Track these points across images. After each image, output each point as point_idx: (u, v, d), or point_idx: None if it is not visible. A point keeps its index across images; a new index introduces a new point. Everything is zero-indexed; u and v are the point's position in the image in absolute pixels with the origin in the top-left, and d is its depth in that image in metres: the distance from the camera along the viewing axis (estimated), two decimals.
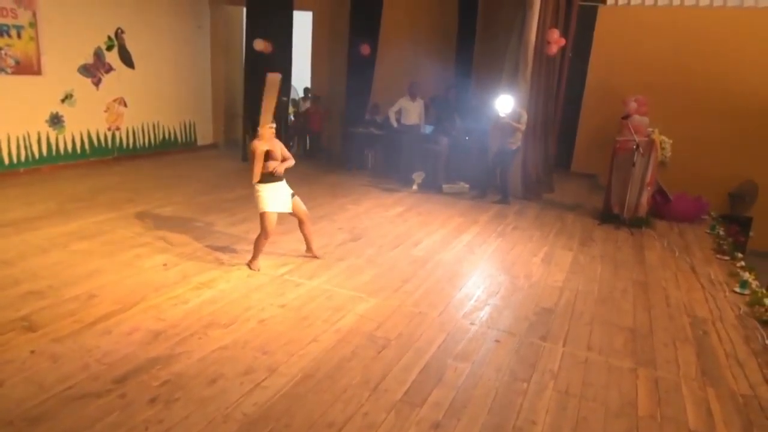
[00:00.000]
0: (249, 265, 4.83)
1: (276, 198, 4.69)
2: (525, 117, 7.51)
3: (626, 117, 7.17)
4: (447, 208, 7.49)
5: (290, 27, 10.05)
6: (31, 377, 3.06)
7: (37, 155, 7.92)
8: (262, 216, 4.69)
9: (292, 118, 10.99)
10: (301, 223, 4.98)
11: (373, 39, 9.80)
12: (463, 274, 5.10)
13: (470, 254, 5.65)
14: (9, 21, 7.33)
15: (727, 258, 6.01)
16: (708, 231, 7.14)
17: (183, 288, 4.34)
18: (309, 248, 5.15)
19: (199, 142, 10.70)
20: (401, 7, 9.99)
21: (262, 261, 4.91)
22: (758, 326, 4.33)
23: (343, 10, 9.95)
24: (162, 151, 9.87)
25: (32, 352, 3.31)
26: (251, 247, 5.16)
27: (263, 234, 4.72)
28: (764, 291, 4.99)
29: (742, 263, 5.81)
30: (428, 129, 9.18)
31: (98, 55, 8.55)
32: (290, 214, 4.88)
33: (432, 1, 9.92)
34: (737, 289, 5.04)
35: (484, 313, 4.26)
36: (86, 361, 3.24)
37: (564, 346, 3.82)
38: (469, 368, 3.44)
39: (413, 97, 8.82)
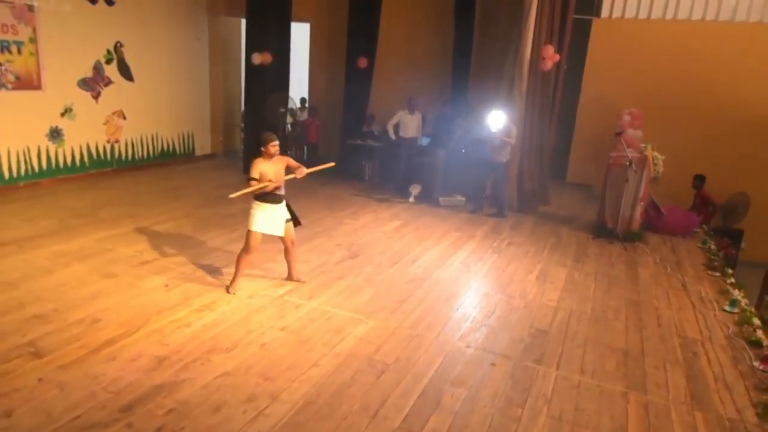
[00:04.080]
0: (227, 288, 4.82)
1: (267, 219, 4.72)
2: (515, 131, 7.64)
3: (619, 133, 7.29)
4: (444, 221, 7.59)
5: (288, 38, 10.15)
6: (40, 406, 3.14)
7: (36, 169, 7.99)
8: (248, 233, 4.75)
9: (290, 129, 11.07)
10: (285, 250, 5.00)
11: (371, 51, 9.91)
12: (460, 293, 5.20)
13: (466, 272, 5.76)
14: (9, 37, 7.39)
15: (717, 274, 6.13)
16: (700, 245, 7.27)
17: (185, 310, 4.43)
18: (290, 274, 5.11)
19: (198, 153, 10.78)
20: (399, 21, 10.11)
21: (260, 282, 5.02)
22: (746, 347, 4.45)
23: (341, 23, 10.05)
24: (161, 162, 9.95)
25: (40, 379, 3.39)
26: (251, 266, 5.26)
27: (245, 250, 4.76)
28: (752, 310, 5.12)
29: (732, 280, 5.93)
30: (425, 141, 9.30)
31: (97, 68, 8.62)
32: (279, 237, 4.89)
33: (429, 16, 10.03)
34: (727, 308, 5.16)
35: (479, 335, 4.37)
36: (93, 389, 3.33)
37: (557, 369, 3.93)
38: (466, 393, 3.54)
39: (411, 111, 8.93)
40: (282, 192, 4.78)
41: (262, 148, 4.63)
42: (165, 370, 3.57)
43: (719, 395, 3.74)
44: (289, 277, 5.12)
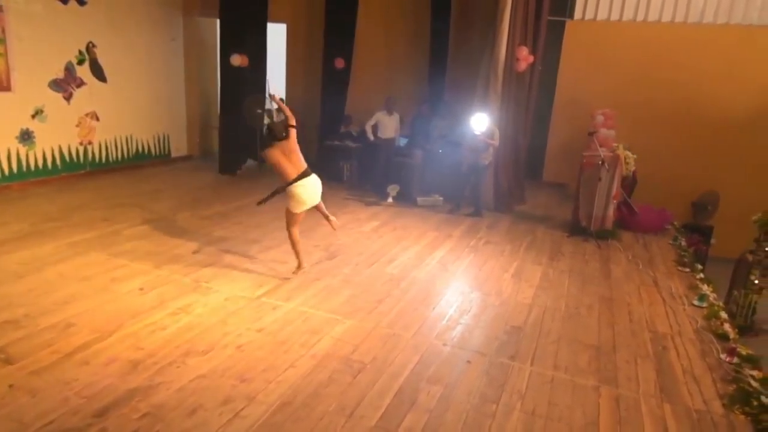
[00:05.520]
0: (296, 271, 5.27)
1: (307, 196, 5.14)
2: (498, 133, 7.73)
3: (593, 133, 7.42)
4: (421, 221, 7.64)
5: (264, 39, 10.12)
6: (11, 413, 3.09)
7: (7, 172, 7.82)
8: (290, 214, 5.16)
9: (266, 130, 11.01)
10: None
11: (348, 52, 9.93)
12: (437, 292, 5.25)
13: (444, 271, 5.81)
14: None
15: (687, 270, 6.28)
16: (671, 242, 7.44)
17: (160, 314, 4.39)
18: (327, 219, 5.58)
19: (173, 154, 10.67)
20: (375, 21, 10.15)
21: (237, 284, 5.04)
22: (714, 340, 4.57)
23: (318, 23, 10.06)
24: (136, 164, 9.82)
25: (11, 386, 3.34)
26: (228, 268, 5.31)
27: (292, 228, 5.19)
28: (720, 305, 5.27)
29: (701, 275, 6.09)
30: (403, 142, 9.34)
31: (69, 69, 8.47)
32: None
33: (406, 16, 10.09)
34: (696, 302, 5.30)
35: (456, 333, 4.42)
36: (65, 394, 3.28)
37: (531, 365, 4.00)
38: (441, 391, 3.58)
39: (390, 111, 8.96)
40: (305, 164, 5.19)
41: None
42: (140, 374, 3.54)
43: (687, 387, 3.84)
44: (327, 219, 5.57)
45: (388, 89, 9.51)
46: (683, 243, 7.33)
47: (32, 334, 3.95)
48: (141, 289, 4.83)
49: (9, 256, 5.40)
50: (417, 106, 9.61)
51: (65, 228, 6.34)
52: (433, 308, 4.87)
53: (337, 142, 9.76)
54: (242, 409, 3.26)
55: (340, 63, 9.82)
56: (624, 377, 3.92)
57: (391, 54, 10.21)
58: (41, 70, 8.09)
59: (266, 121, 10.81)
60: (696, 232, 8.29)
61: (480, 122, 7.57)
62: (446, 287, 5.41)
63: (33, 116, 8.05)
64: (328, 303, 4.80)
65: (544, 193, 9.73)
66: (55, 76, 8.29)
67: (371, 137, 9.03)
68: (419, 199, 8.49)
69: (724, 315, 5.00)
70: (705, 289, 5.63)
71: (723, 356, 4.27)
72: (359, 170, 9.75)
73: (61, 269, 5.16)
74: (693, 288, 5.74)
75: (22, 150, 8.00)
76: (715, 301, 5.35)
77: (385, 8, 10.18)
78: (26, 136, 8.02)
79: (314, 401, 3.38)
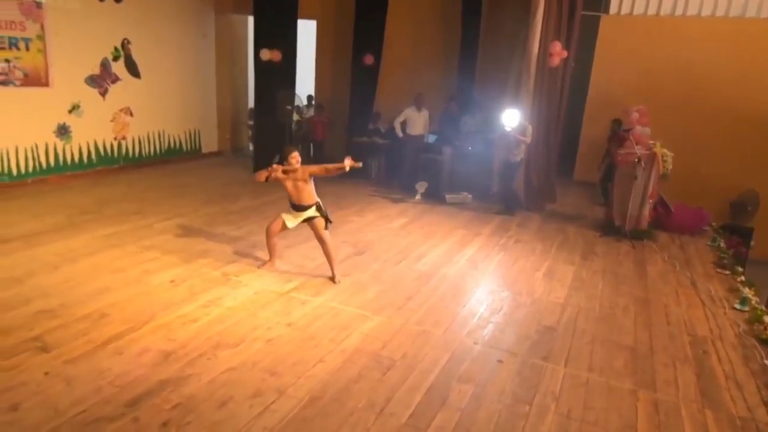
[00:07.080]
0: (260, 266, 5.25)
1: (290, 215, 5.13)
2: (530, 130, 7.59)
3: (628, 130, 7.22)
4: (450, 219, 7.56)
5: (295, 35, 10.14)
6: (46, 400, 3.14)
7: (44, 166, 8.02)
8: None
9: (295, 127, 11.05)
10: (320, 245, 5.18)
11: (377, 49, 9.90)
12: (467, 290, 5.17)
13: (473, 269, 5.72)
14: (17, 34, 7.42)
15: (727, 272, 6.06)
16: (709, 243, 7.20)
17: (191, 306, 4.42)
18: (332, 272, 5.16)
19: (204, 150, 10.80)
20: (405, 17, 10.09)
21: (267, 278, 5.07)
22: (757, 345, 4.39)
23: (347, 20, 10.04)
24: (167, 159, 9.96)
25: (46, 373, 3.39)
26: (258, 262, 5.32)
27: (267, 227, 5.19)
28: (763, 308, 5.06)
29: (742, 278, 5.87)
30: (432, 139, 9.27)
31: (105, 65, 8.64)
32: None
33: (436, 12, 10.00)
34: (737, 306, 5.10)
35: (487, 332, 4.33)
36: (99, 383, 3.32)
37: (565, 366, 3.89)
38: (473, 390, 3.51)
39: (419, 108, 8.90)
40: (306, 203, 5.02)
41: (284, 162, 4.91)
42: (171, 365, 3.56)
43: (730, 393, 3.69)
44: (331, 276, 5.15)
45: (417, 86, 9.44)
46: (722, 244, 7.08)
47: (67, 323, 4.02)
48: (172, 281, 4.87)
49: (44, 247, 5.51)
50: (446, 103, 9.51)
51: (99, 220, 6.45)
52: (463, 306, 4.79)
53: (365, 139, 9.74)
54: (272, 402, 3.24)
55: (369, 59, 9.79)
56: (662, 381, 3.78)
57: (420, 50, 10.14)
58: (78, 66, 8.28)
59: (295, 117, 10.87)
60: (735, 234, 7.99)
61: (511, 118, 7.45)
62: (476, 285, 5.32)
63: (70, 111, 8.25)
64: (356, 298, 4.77)
65: (575, 191, 9.54)
66: (91, 72, 8.47)
67: (400, 134, 8.98)
68: (448, 197, 8.41)
69: (767, 319, 4.79)
70: (746, 292, 5.42)
71: (767, 362, 4.10)
72: (387, 167, 9.71)
73: (94, 261, 5.24)
74: (733, 291, 5.54)
75: (59, 144, 8.19)
76: (757, 305, 5.14)
77: (415, 4, 10.11)
78: (63, 131, 8.20)
79: (344, 397, 3.35)
